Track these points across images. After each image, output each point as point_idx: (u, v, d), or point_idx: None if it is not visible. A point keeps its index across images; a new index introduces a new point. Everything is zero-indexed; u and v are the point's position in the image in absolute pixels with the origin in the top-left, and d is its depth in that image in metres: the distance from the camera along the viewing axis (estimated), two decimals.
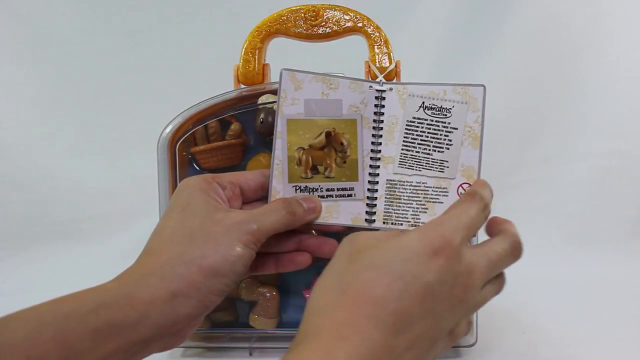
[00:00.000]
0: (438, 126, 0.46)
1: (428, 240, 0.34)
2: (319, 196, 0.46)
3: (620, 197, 0.94)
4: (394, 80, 0.55)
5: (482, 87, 0.46)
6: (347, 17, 0.56)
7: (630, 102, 0.96)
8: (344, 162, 0.47)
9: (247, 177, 0.46)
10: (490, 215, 0.43)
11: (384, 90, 0.47)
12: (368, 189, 0.46)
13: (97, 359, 0.34)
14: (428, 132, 0.46)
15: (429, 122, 0.46)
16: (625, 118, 0.96)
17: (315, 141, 0.46)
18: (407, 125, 0.46)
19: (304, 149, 0.46)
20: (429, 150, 0.46)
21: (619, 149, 0.96)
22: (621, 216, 0.94)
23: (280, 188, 0.46)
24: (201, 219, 0.40)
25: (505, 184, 0.97)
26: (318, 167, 0.46)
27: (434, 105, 0.46)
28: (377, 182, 0.46)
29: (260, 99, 0.55)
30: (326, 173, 0.46)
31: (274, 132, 0.46)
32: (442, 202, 0.45)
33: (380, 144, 0.47)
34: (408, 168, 0.46)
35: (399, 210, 0.46)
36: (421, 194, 0.46)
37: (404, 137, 0.46)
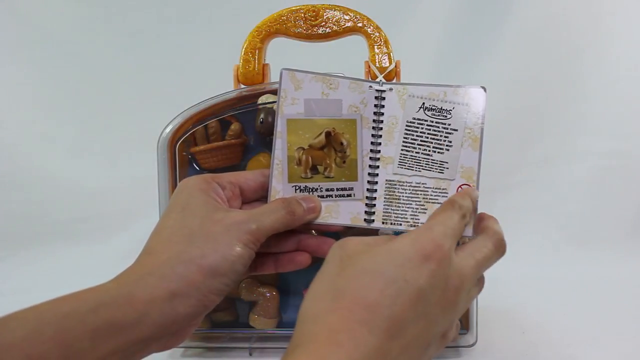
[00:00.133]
0: (438, 127, 0.46)
1: (420, 246, 0.35)
2: (318, 196, 0.46)
3: (620, 197, 0.95)
4: (394, 81, 0.55)
5: (483, 89, 0.46)
6: (347, 17, 0.56)
7: (630, 102, 0.96)
8: (344, 162, 0.47)
9: (247, 177, 0.46)
10: (490, 215, 0.43)
11: (384, 91, 0.47)
12: (367, 189, 0.46)
13: (96, 359, 0.34)
14: (428, 133, 0.46)
15: (428, 123, 0.46)
16: (625, 118, 0.96)
17: (315, 141, 0.46)
18: (407, 125, 0.46)
19: (303, 148, 0.46)
20: (429, 151, 0.46)
21: (619, 149, 0.96)
22: (621, 216, 0.94)
23: (280, 188, 0.46)
24: (201, 218, 0.40)
25: (505, 184, 0.97)
26: (318, 167, 0.46)
27: (434, 106, 0.46)
28: (377, 182, 0.46)
29: (260, 99, 0.55)
30: (326, 173, 0.46)
31: (274, 132, 0.46)
32: (441, 203, 0.45)
33: (380, 144, 0.47)
34: (407, 168, 0.46)
35: (398, 210, 0.46)
36: (420, 194, 0.46)
37: (404, 138, 0.46)
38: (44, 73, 1.02)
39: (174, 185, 0.55)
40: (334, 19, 0.56)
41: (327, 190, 0.46)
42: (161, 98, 0.96)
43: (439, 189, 0.46)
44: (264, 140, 0.56)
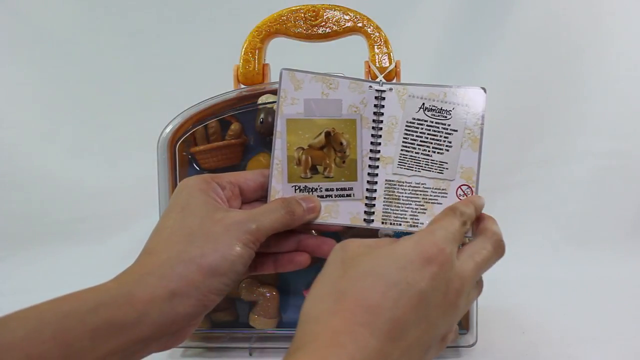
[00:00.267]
0: (438, 128, 0.46)
1: (422, 249, 0.35)
2: (318, 196, 0.46)
3: (620, 197, 0.95)
4: (394, 81, 0.55)
5: (483, 90, 0.46)
6: (347, 17, 0.56)
7: (630, 102, 0.96)
8: (343, 162, 0.47)
9: (247, 177, 0.46)
10: (488, 215, 0.43)
11: (384, 91, 0.47)
12: (367, 189, 0.46)
13: (96, 358, 0.34)
14: (428, 134, 0.46)
15: (428, 123, 0.46)
16: (625, 118, 0.96)
17: (315, 141, 0.46)
18: (406, 126, 0.46)
19: (303, 148, 0.46)
20: (429, 151, 0.46)
21: (619, 149, 0.96)
22: (621, 216, 0.94)
23: (280, 188, 0.46)
24: (200, 218, 0.40)
25: (505, 184, 0.97)
26: (317, 167, 0.46)
27: (434, 106, 0.46)
28: (376, 182, 0.46)
29: (260, 99, 0.55)
30: (325, 173, 0.46)
31: (274, 131, 0.46)
32: (440, 204, 0.45)
33: (380, 144, 0.47)
34: (407, 169, 0.46)
35: (397, 210, 0.46)
36: (420, 194, 0.46)
37: (404, 138, 0.46)
38: (44, 73, 1.02)
39: (174, 185, 0.55)
40: (334, 19, 0.56)
41: (326, 190, 0.46)
42: (161, 98, 0.96)
43: (439, 189, 0.46)
44: (264, 140, 0.56)
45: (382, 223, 0.46)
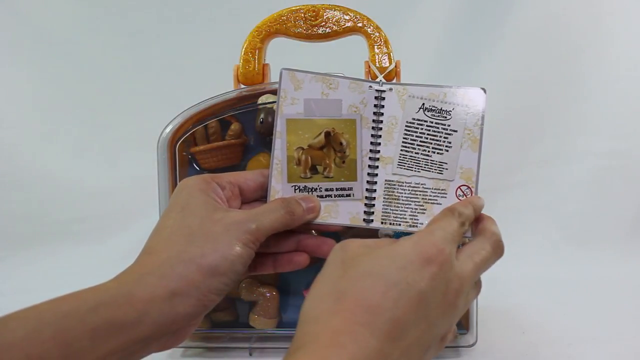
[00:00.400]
0: (438, 128, 0.46)
1: (421, 249, 0.35)
2: (317, 196, 0.46)
3: (620, 197, 0.95)
4: (394, 81, 0.55)
5: (483, 91, 0.46)
6: (347, 17, 0.56)
7: (630, 102, 0.96)
8: (343, 162, 0.47)
9: (247, 177, 0.46)
10: (487, 215, 0.43)
11: (384, 91, 0.47)
12: (367, 189, 0.46)
13: (96, 358, 0.34)
14: (427, 134, 0.46)
15: (428, 123, 0.46)
16: (625, 118, 0.96)
17: (315, 141, 0.46)
18: (406, 126, 0.46)
19: (303, 148, 0.46)
20: (428, 151, 0.46)
21: (619, 149, 0.96)
22: (621, 216, 0.94)
23: (280, 188, 0.46)
24: (200, 218, 0.40)
25: (505, 184, 0.97)
26: (317, 167, 0.46)
27: (434, 107, 0.46)
28: (376, 183, 0.46)
29: (260, 99, 0.55)
30: (325, 173, 0.46)
31: (274, 131, 0.46)
32: (440, 204, 0.45)
33: (380, 144, 0.47)
34: (407, 169, 0.46)
35: (397, 210, 0.46)
36: (420, 194, 0.46)
37: (404, 138, 0.46)
38: (44, 73, 1.02)
39: (174, 185, 0.55)
40: (334, 19, 0.56)
41: (326, 190, 0.46)
42: (161, 98, 0.96)
43: (438, 189, 0.46)
44: (264, 140, 0.56)
45: (382, 223, 0.46)
